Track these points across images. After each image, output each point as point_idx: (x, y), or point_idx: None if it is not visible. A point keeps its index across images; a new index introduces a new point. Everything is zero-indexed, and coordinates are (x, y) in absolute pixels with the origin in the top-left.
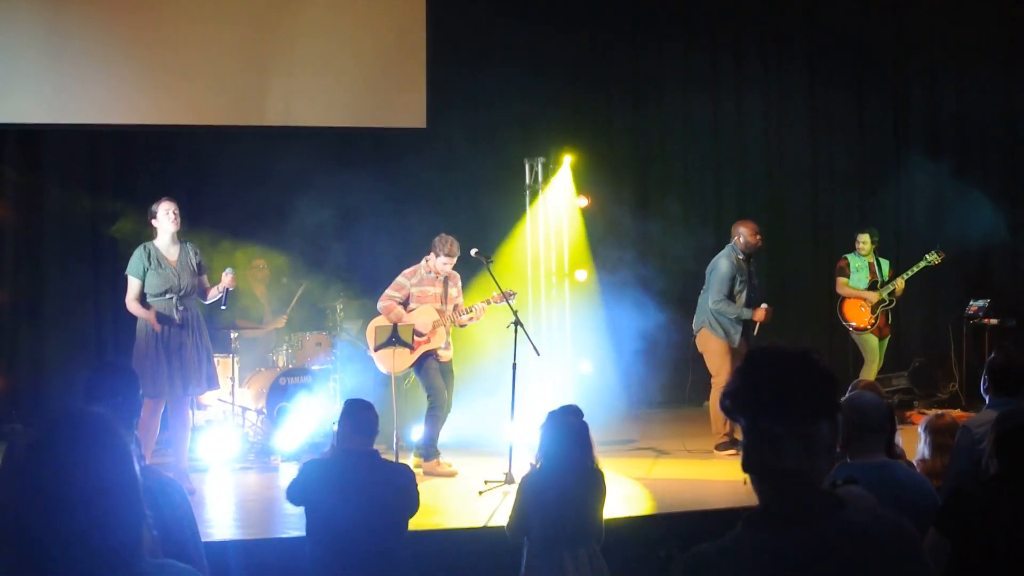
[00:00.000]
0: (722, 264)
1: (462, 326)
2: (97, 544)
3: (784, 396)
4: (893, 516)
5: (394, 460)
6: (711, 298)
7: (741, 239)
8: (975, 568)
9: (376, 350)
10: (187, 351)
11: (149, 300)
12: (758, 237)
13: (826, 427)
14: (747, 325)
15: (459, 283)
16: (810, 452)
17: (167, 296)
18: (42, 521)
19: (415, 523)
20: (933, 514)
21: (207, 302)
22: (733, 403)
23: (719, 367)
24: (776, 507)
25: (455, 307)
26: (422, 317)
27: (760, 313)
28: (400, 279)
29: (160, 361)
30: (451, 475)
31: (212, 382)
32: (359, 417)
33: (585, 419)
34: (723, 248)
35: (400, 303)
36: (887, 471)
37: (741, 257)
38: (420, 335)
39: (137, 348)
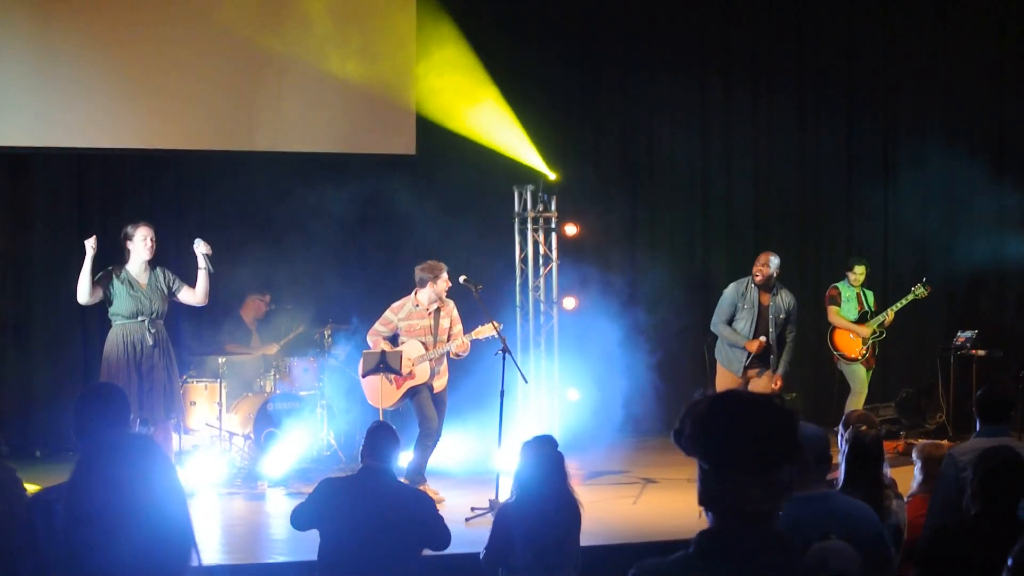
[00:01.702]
0: (728, 288)
1: (456, 356)
2: (150, 562)
3: (753, 447)
4: (851, 558)
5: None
6: (713, 320)
7: (754, 269)
8: None
9: (364, 376)
10: (158, 373)
11: (120, 323)
12: (757, 270)
13: (788, 470)
14: (757, 359)
15: (453, 312)
16: (772, 495)
17: (139, 319)
18: (93, 542)
19: None
20: (875, 542)
21: (204, 297)
22: (695, 448)
23: None
24: (729, 540)
25: (449, 337)
26: (408, 353)
27: (753, 344)
28: (387, 314)
29: (132, 382)
30: (437, 502)
31: (178, 410)
32: (373, 437)
33: (559, 449)
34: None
35: (387, 338)
36: (825, 502)
37: (751, 286)
38: (400, 373)
39: (104, 369)
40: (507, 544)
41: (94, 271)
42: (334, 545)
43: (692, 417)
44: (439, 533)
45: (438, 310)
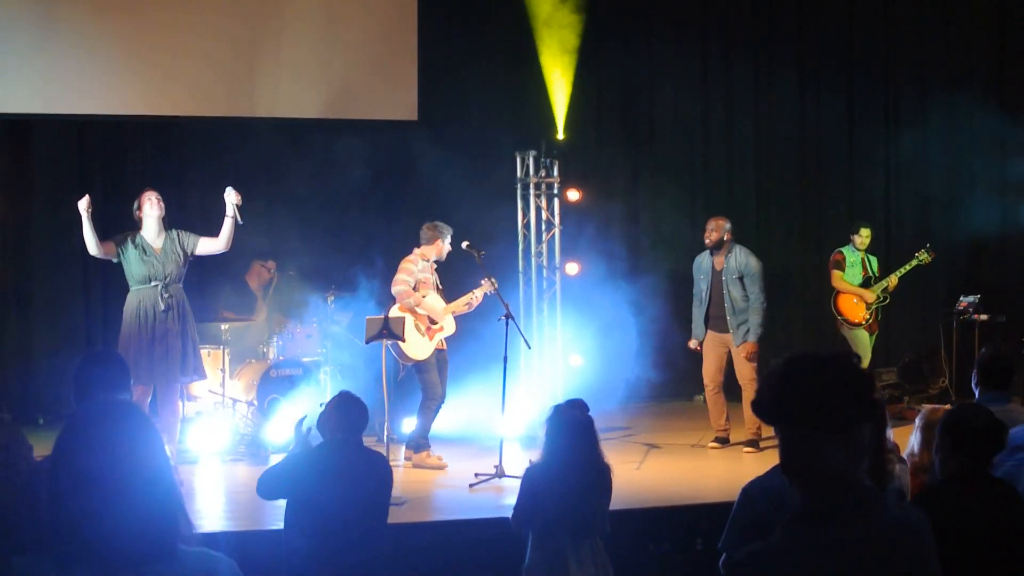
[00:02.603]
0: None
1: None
2: (135, 529)
3: (829, 405)
4: (917, 512)
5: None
6: None
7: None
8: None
9: (367, 343)
10: (171, 338)
11: (135, 288)
12: (705, 234)
13: (868, 429)
14: (714, 324)
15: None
16: (853, 455)
17: (152, 284)
18: (80, 509)
19: (406, 516)
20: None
21: (227, 243)
22: (772, 412)
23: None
24: (822, 506)
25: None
26: (436, 304)
27: (692, 343)
28: (407, 265)
29: (143, 347)
30: (440, 467)
31: (198, 371)
32: (348, 410)
33: (590, 413)
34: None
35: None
36: None
37: (707, 253)
38: (434, 323)
39: (123, 334)
40: (533, 505)
41: (96, 228)
42: (303, 516)
43: (768, 383)
44: (388, 491)
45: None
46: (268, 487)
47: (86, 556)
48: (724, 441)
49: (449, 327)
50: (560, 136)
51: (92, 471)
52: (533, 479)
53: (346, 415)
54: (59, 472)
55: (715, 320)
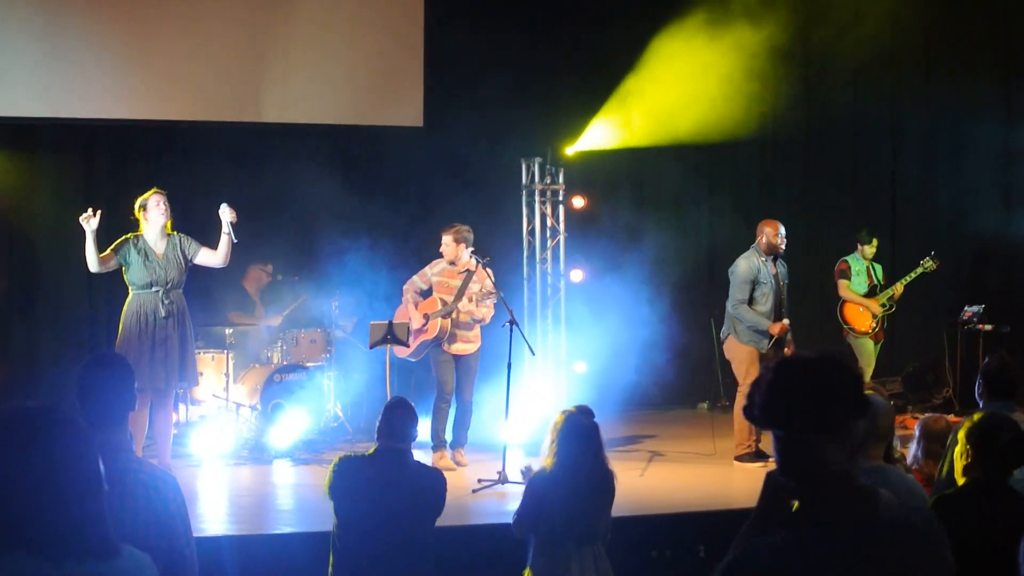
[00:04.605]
0: (741, 266)
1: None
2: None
3: (823, 406)
4: (923, 510)
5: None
6: (729, 301)
7: (764, 239)
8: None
9: (371, 347)
10: (170, 344)
11: (135, 291)
12: (779, 239)
13: (859, 425)
14: (778, 340)
15: (487, 281)
16: (848, 452)
17: (153, 289)
18: (6, 507)
19: None
20: (926, 519)
21: (225, 259)
22: (765, 416)
23: (745, 375)
24: (820, 507)
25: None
26: (422, 309)
27: (776, 327)
28: (425, 268)
29: (142, 352)
30: (450, 468)
31: (194, 379)
32: (392, 416)
33: (596, 419)
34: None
35: (422, 291)
36: (885, 476)
37: (763, 259)
38: (407, 344)
39: (121, 337)
40: (537, 512)
41: (99, 243)
42: (350, 526)
43: (759, 387)
44: (438, 505)
45: (471, 274)
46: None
47: (19, 546)
48: (760, 454)
49: (432, 330)
50: (566, 144)
51: (10, 479)
52: (539, 485)
53: (388, 421)
54: None
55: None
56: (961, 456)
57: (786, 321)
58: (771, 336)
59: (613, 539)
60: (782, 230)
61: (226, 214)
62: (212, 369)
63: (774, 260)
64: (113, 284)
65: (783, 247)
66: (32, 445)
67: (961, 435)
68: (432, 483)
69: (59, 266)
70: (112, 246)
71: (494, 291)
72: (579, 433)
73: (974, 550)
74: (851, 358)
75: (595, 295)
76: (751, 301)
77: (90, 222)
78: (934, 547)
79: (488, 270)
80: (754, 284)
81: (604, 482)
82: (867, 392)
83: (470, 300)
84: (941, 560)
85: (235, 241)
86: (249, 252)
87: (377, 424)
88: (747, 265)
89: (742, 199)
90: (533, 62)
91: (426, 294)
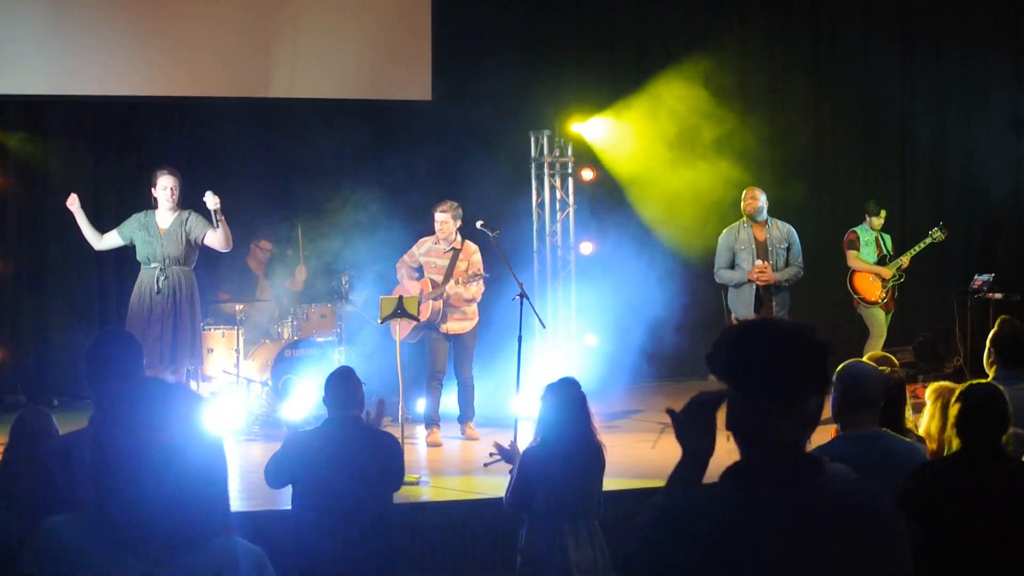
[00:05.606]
0: (720, 235)
1: (468, 300)
2: (163, 515)
3: (782, 375)
4: (872, 489)
5: (381, 429)
6: (714, 270)
7: (742, 204)
8: (940, 548)
9: (381, 322)
10: (170, 321)
11: (142, 268)
12: (746, 203)
13: (816, 400)
14: (760, 298)
15: (472, 256)
16: (799, 425)
17: (151, 265)
18: (118, 488)
19: (420, 493)
20: None
21: (225, 242)
22: (726, 373)
23: None
24: (760, 466)
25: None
26: (410, 291)
27: (753, 272)
28: (413, 248)
29: (139, 329)
30: (436, 444)
31: (190, 360)
32: (338, 385)
33: (583, 390)
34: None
35: (414, 268)
36: (878, 441)
37: (744, 224)
38: (417, 318)
39: (128, 314)
40: (529, 488)
41: (110, 219)
42: (310, 499)
43: (724, 342)
44: (399, 477)
45: (457, 252)
46: (273, 476)
47: (112, 528)
48: None
49: (423, 314)
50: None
51: (122, 449)
52: (533, 461)
53: (331, 391)
54: (94, 451)
55: (766, 293)
56: (951, 426)
57: (760, 262)
58: (755, 290)
59: (624, 512)
60: (758, 194)
61: (209, 202)
62: (223, 345)
63: (759, 224)
64: (123, 261)
65: (748, 209)
66: (143, 422)
67: (934, 399)
68: (386, 445)
69: (69, 244)
70: (122, 224)
71: (481, 274)
72: (565, 405)
73: (961, 519)
74: (827, 334)
75: (605, 267)
76: (734, 267)
77: (74, 206)
78: (882, 526)
79: (498, 245)
80: (733, 251)
81: (592, 454)
82: (864, 360)
83: (457, 282)
84: (889, 542)
85: (217, 225)
86: (256, 229)
87: (322, 396)
88: (725, 233)
89: (752, 169)
90: (541, 34)
91: (418, 273)
